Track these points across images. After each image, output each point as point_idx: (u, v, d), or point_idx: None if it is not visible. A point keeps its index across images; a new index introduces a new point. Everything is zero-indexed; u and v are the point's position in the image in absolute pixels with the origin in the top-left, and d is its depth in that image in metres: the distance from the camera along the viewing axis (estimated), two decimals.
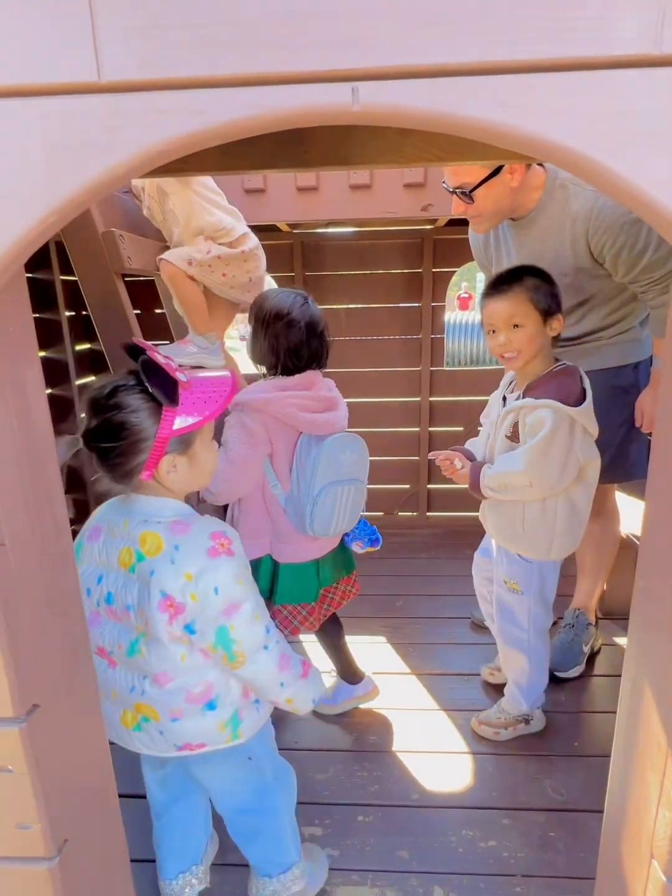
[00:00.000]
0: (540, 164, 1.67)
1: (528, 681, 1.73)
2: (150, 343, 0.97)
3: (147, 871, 1.34)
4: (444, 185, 1.73)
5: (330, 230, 3.13)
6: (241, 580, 0.99)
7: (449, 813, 1.56)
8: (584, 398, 1.48)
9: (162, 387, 0.91)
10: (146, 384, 0.91)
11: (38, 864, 0.64)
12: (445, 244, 3.04)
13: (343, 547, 1.79)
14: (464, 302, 12.61)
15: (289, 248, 3.10)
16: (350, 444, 1.59)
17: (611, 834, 0.80)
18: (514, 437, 1.51)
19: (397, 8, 0.41)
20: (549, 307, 1.44)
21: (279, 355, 1.52)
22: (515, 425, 1.51)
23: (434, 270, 3.10)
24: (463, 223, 2.78)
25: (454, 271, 3.21)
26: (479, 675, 2.06)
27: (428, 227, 3.00)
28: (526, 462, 1.44)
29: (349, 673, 1.91)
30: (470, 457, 1.66)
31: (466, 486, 1.60)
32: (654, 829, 0.64)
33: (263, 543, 1.65)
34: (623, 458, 1.90)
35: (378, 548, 1.75)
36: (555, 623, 2.32)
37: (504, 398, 1.63)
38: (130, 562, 0.98)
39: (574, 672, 2.02)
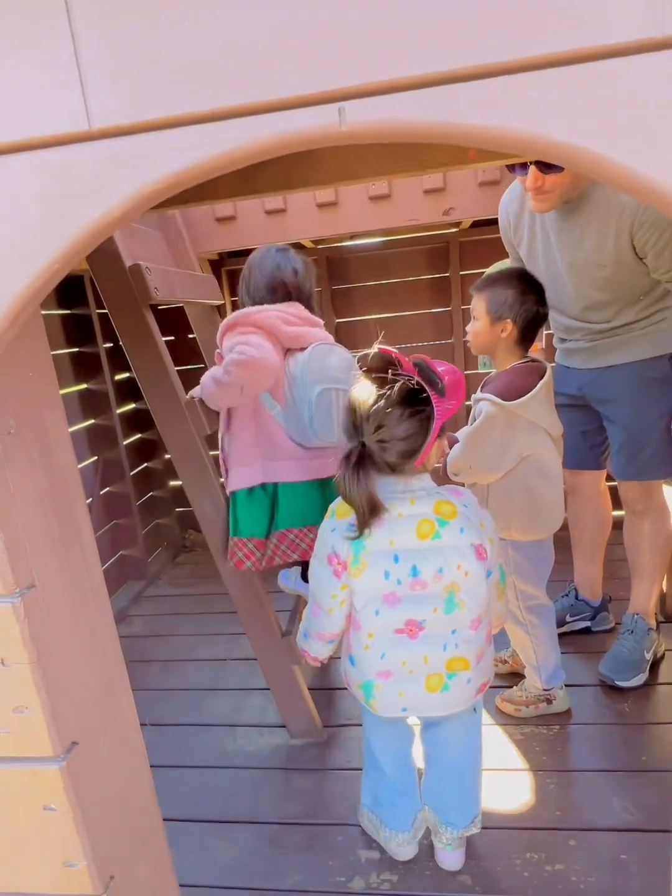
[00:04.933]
0: None
1: (536, 657, 1.79)
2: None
3: None
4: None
5: (354, 242, 3.13)
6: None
7: (511, 834, 1.49)
8: (527, 393, 1.57)
9: (431, 380, 1.09)
10: (419, 383, 1.07)
11: None
12: (471, 246, 3.00)
13: None
14: None
15: (314, 264, 3.12)
16: (332, 351, 1.69)
17: None
18: None
19: (374, 24, 0.39)
20: (500, 314, 1.60)
21: (252, 293, 1.69)
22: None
23: (461, 273, 3.05)
24: (487, 224, 2.75)
25: (482, 272, 3.15)
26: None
27: (452, 230, 2.97)
28: (463, 446, 1.65)
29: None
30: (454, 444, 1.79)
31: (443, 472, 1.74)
32: None
33: (257, 470, 1.67)
34: (665, 452, 1.80)
35: None
36: (611, 629, 2.24)
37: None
38: (432, 531, 1.15)
39: (637, 681, 1.92)
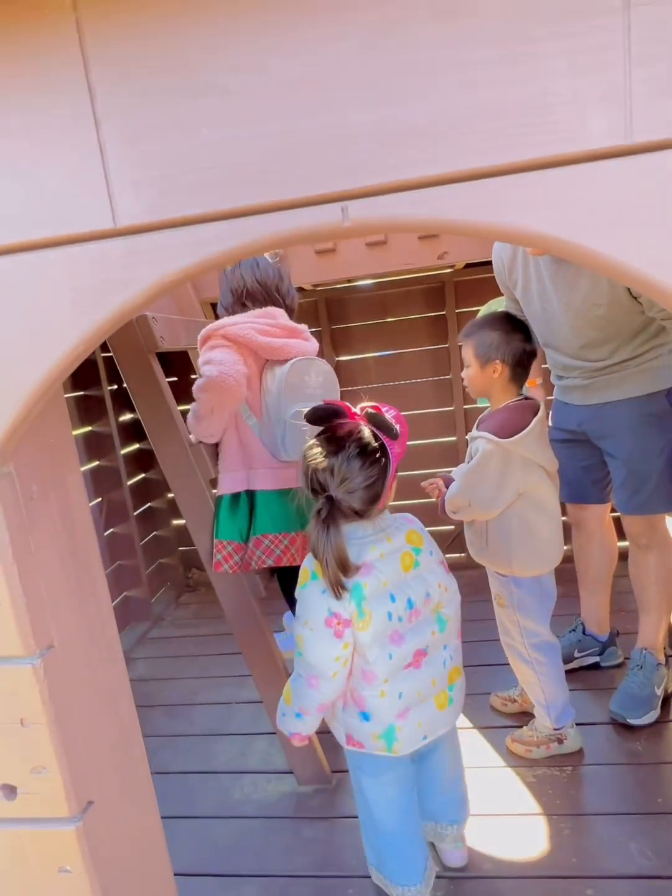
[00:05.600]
0: None
1: (544, 695, 1.78)
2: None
3: None
4: None
5: (352, 283, 3.22)
6: None
7: (528, 884, 1.45)
8: (523, 430, 1.61)
9: (384, 427, 1.16)
10: (372, 431, 1.15)
11: None
12: (466, 285, 3.08)
13: None
14: None
15: (314, 305, 3.20)
16: (312, 366, 1.66)
17: None
18: None
19: (374, 133, 0.44)
20: (488, 357, 1.65)
21: (231, 298, 1.68)
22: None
23: (457, 311, 3.13)
24: (481, 264, 2.83)
25: (477, 310, 3.24)
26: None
27: (447, 270, 3.06)
28: (460, 484, 1.68)
29: None
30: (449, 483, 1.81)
31: (439, 512, 1.79)
32: None
33: (241, 477, 1.70)
34: (667, 486, 1.83)
35: None
36: (620, 664, 2.22)
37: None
38: (412, 561, 1.24)
39: (648, 719, 1.90)
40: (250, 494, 1.72)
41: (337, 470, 1.13)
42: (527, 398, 1.71)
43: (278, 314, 1.69)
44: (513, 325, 1.68)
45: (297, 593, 1.24)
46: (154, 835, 0.76)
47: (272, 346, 1.61)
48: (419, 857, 1.38)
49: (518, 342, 1.65)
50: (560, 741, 1.81)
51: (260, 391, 1.66)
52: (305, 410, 1.64)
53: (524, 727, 1.88)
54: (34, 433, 0.57)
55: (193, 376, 2.88)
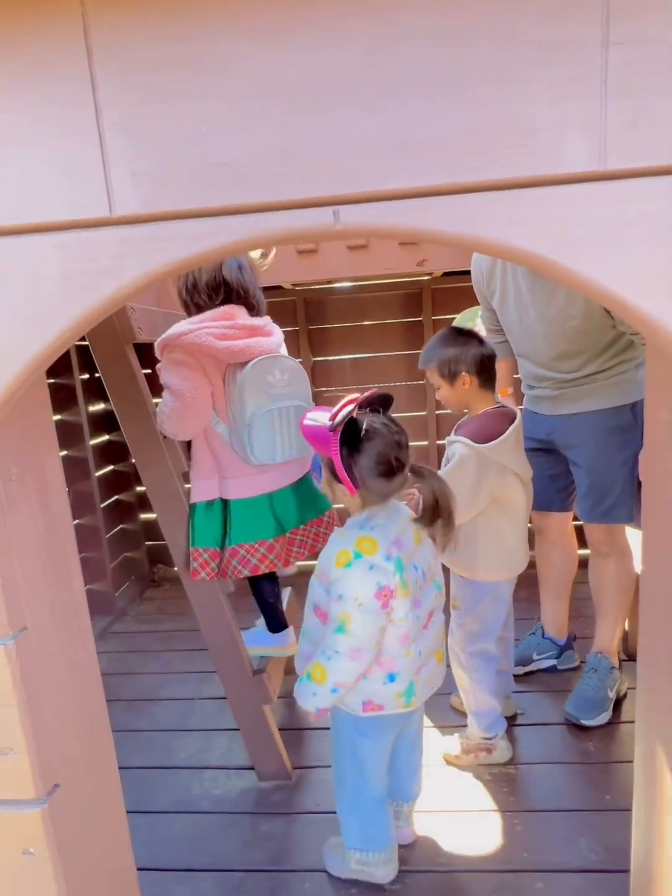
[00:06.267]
0: None
1: (475, 704, 1.82)
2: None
3: None
4: None
5: (331, 285, 3.24)
6: None
7: (480, 877, 1.50)
8: (498, 437, 1.66)
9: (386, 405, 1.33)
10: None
11: None
12: (443, 292, 3.14)
13: (306, 483, 1.79)
14: None
15: (292, 305, 3.22)
16: (275, 364, 1.60)
17: (640, 883, 0.78)
18: None
19: (370, 143, 0.46)
20: (455, 372, 1.70)
21: (186, 294, 1.62)
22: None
23: (434, 318, 3.18)
24: (459, 273, 2.89)
25: (453, 317, 3.30)
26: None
27: (425, 277, 3.11)
28: None
29: (273, 623, 1.95)
30: None
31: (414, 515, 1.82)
32: None
33: (213, 485, 1.69)
34: (628, 497, 1.90)
35: None
36: (576, 667, 2.29)
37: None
38: (418, 536, 1.37)
39: (601, 720, 1.97)
40: (224, 502, 1.71)
41: (405, 445, 1.28)
42: (503, 406, 1.76)
43: (238, 313, 1.61)
44: (463, 335, 1.72)
45: (339, 575, 1.26)
46: (118, 820, 0.76)
47: (233, 350, 1.54)
48: (390, 818, 1.49)
49: (475, 348, 1.69)
50: (489, 751, 1.82)
51: (224, 396, 1.61)
52: (281, 400, 1.65)
53: (456, 735, 1.90)
54: (16, 416, 0.57)
55: None
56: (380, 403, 1.31)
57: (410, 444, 1.29)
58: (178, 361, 1.57)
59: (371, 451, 1.25)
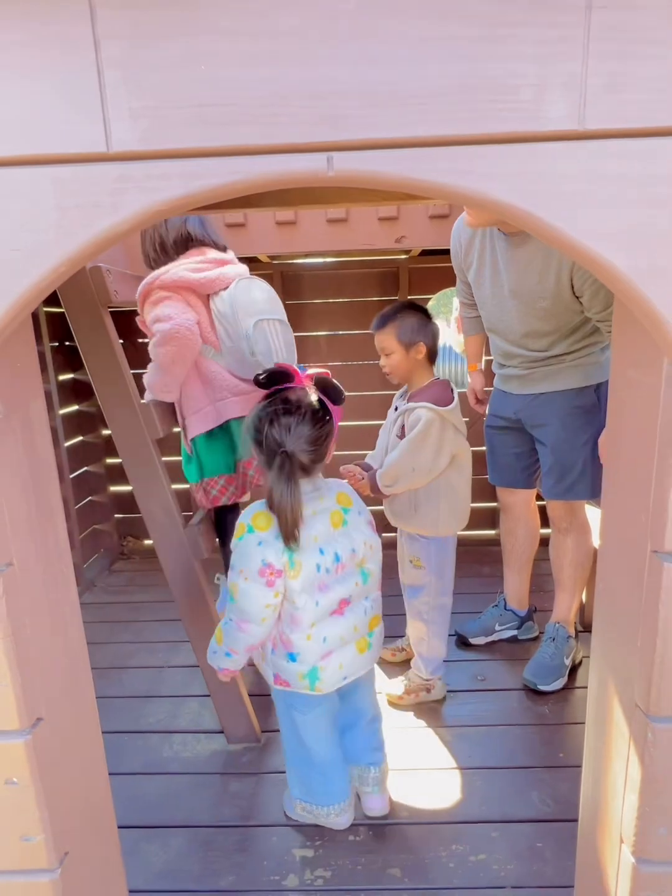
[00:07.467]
0: None
1: (427, 650, 1.99)
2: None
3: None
4: None
5: (309, 260, 3.23)
6: None
7: (439, 828, 1.58)
8: (452, 402, 1.80)
9: (333, 391, 1.26)
10: (320, 396, 1.24)
11: (40, 875, 0.67)
12: (420, 272, 3.17)
13: None
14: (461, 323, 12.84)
15: (269, 278, 3.18)
16: (253, 284, 1.75)
17: (586, 829, 0.84)
18: (402, 435, 1.84)
19: (364, 92, 0.48)
20: (412, 340, 1.78)
21: (155, 253, 1.75)
22: (404, 426, 1.84)
23: (409, 297, 3.21)
24: (436, 253, 2.92)
25: (429, 298, 3.33)
26: (465, 690, 2.10)
27: (403, 256, 3.13)
28: (408, 450, 1.78)
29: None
30: (367, 468, 1.96)
31: (371, 493, 1.89)
32: (622, 815, 0.69)
33: (210, 412, 1.76)
34: (590, 475, 1.98)
35: None
36: (536, 637, 2.40)
37: (396, 407, 1.94)
38: (341, 520, 1.34)
39: (557, 685, 2.07)
40: (224, 426, 1.77)
41: (293, 428, 1.21)
42: (442, 379, 1.90)
43: (206, 250, 1.75)
44: (422, 311, 1.81)
45: (233, 545, 1.30)
46: (97, 757, 0.78)
47: (209, 279, 1.68)
48: (343, 780, 1.54)
49: (434, 326, 1.81)
50: (428, 691, 2.03)
51: (211, 322, 1.71)
52: (268, 314, 1.71)
53: (398, 678, 2.08)
54: (4, 354, 0.58)
55: (141, 340, 2.82)
56: (327, 390, 1.28)
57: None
58: (161, 297, 1.66)
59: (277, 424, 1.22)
